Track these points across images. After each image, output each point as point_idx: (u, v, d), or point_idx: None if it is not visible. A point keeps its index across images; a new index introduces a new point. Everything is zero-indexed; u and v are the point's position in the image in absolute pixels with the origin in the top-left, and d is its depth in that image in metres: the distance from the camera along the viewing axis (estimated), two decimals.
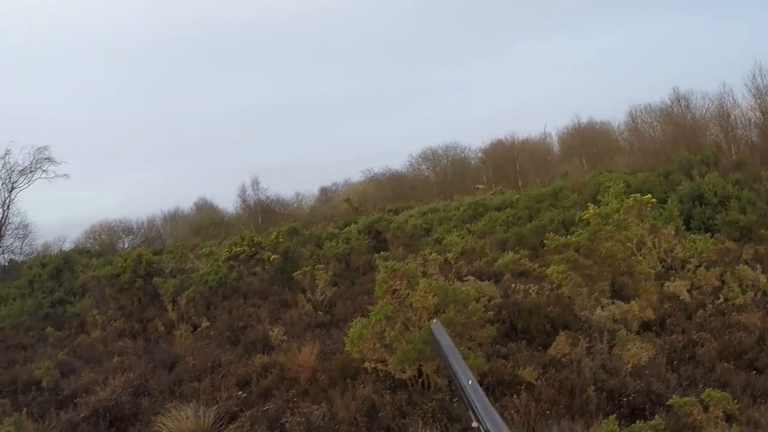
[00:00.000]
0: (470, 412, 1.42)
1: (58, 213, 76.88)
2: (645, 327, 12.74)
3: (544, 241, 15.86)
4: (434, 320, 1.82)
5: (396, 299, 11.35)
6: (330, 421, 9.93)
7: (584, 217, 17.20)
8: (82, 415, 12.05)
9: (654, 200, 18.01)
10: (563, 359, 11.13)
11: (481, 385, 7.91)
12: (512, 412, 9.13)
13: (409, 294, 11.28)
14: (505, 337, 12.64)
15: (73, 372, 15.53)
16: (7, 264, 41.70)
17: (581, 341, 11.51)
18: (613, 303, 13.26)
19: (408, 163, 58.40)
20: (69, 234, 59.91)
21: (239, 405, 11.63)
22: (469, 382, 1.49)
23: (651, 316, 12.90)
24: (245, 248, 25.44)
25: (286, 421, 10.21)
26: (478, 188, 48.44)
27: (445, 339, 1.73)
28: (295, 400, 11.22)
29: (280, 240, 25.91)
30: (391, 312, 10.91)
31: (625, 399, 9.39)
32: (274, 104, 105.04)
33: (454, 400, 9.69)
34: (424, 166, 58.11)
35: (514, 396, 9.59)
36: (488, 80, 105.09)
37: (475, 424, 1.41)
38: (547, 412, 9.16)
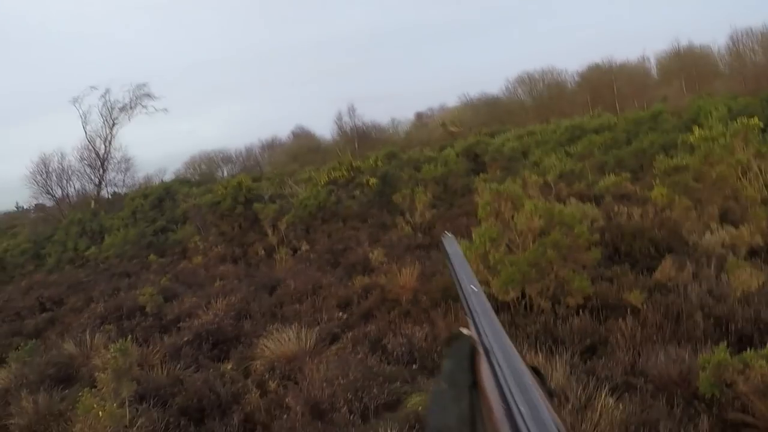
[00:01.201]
0: (469, 319, 1.30)
1: (158, 146, 78.45)
2: (752, 253, 12.08)
3: (653, 164, 15.20)
4: (446, 233, 1.61)
5: (500, 221, 10.95)
6: (432, 342, 9.67)
7: (689, 141, 16.38)
8: (185, 338, 12.10)
9: (761, 124, 17.02)
10: (669, 284, 10.59)
11: (585, 308, 7.51)
12: (618, 336, 8.72)
13: (513, 216, 10.87)
14: (609, 261, 12.12)
15: (176, 297, 15.72)
16: (110, 197, 42.89)
17: (688, 266, 10.95)
18: (722, 227, 12.66)
19: (504, 88, 57.27)
20: (169, 166, 61.05)
21: (340, 326, 11.47)
22: (473, 288, 1.40)
23: (759, 243, 12.24)
24: (344, 173, 25.26)
25: (387, 342, 9.99)
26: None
27: (453, 248, 1.67)
28: (396, 321, 10.99)
29: (379, 164, 25.67)
30: (495, 234, 10.53)
31: (732, 326, 8.85)
32: (371, 33, 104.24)
33: (558, 322, 9.36)
34: (520, 90, 56.83)
35: (620, 320, 9.14)
36: (585, 4, 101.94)
37: (466, 330, 1.29)
38: (654, 337, 8.71)
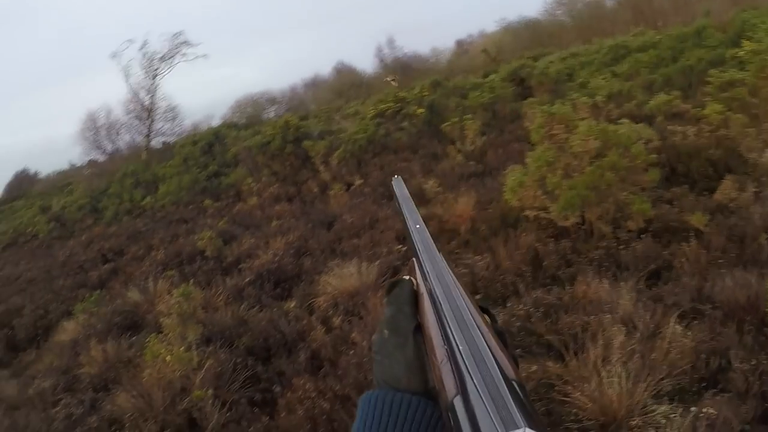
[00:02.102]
0: (415, 259, 1.30)
1: (202, 93, 78.69)
2: None
3: (704, 80, 14.66)
4: (396, 176, 1.57)
5: (554, 145, 10.67)
6: (494, 271, 9.53)
7: (738, 56, 15.75)
8: (247, 279, 12.15)
9: None
10: (730, 205, 10.24)
11: (647, 231, 7.28)
12: (682, 260, 8.46)
13: (567, 139, 10.57)
14: (666, 182, 11.74)
15: (234, 239, 15.78)
16: (160, 146, 43.42)
17: (749, 186, 10.57)
18: None
19: (543, 9, 56.14)
20: (215, 112, 61.46)
21: (400, 259, 11.37)
22: (416, 226, 1.40)
23: None
24: (391, 104, 25.06)
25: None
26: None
27: (401, 190, 1.69)
28: (457, 251, 10.86)
29: (425, 94, 25.39)
30: (552, 157, 10.26)
31: None
32: None
33: (620, 247, 9.14)
34: (559, 11, 55.48)
35: (683, 243, 8.85)
36: None
37: (407, 276, 1.30)
38: (719, 261, 8.42)
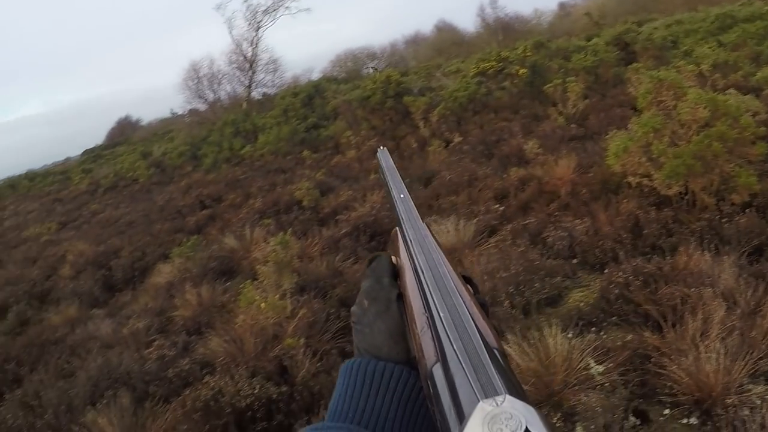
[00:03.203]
0: (398, 228, 1.29)
1: (303, 47, 79.28)
2: None
3: None
4: (381, 147, 1.38)
5: (662, 111, 10.22)
6: (593, 236, 9.21)
7: None
8: (343, 231, 12.06)
9: None
10: None
11: (751, 206, 6.86)
12: None
13: (676, 106, 10.11)
14: None
15: (331, 191, 15.72)
16: (261, 97, 44.12)
17: None
18: None
19: None
20: (315, 65, 62.04)
21: (498, 218, 11.12)
22: (401, 195, 1.40)
23: None
24: (493, 63, 24.71)
25: (547, 236, 9.57)
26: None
27: (387, 162, 1.69)
28: (556, 214, 10.54)
29: (528, 54, 24.94)
30: (659, 124, 9.83)
31: None
32: None
33: (723, 220, 8.71)
34: None
35: None
36: None
37: (385, 254, 1.30)
38: None
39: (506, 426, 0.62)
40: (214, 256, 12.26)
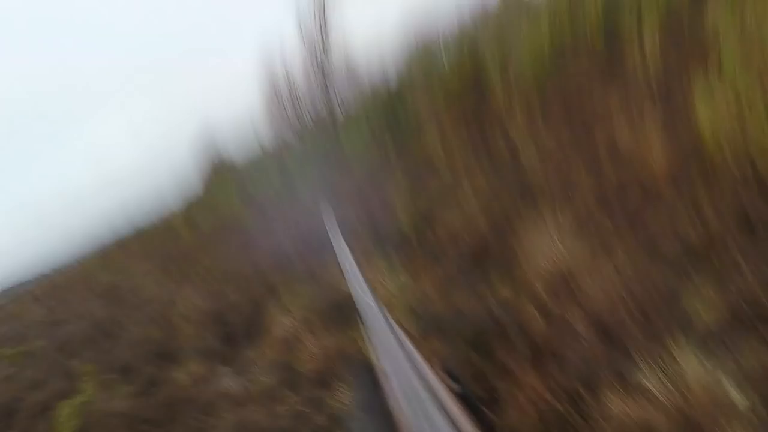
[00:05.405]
0: (367, 340, 0.77)
1: None
2: None
3: None
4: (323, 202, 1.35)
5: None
6: (704, 236, 8.70)
7: None
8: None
9: None
10: None
11: None
12: None
13: None
14: None
15: None
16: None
17: None
18: None
19: None
20: None
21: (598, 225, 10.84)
22: (369, 302, 0.87)
23: None
24: None
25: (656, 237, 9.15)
26: None
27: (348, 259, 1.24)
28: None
29: None
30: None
31: None
32: None
33: None
34: None
35: None
36: None
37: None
38: None
39: None
40: (332, 301, 12.26)
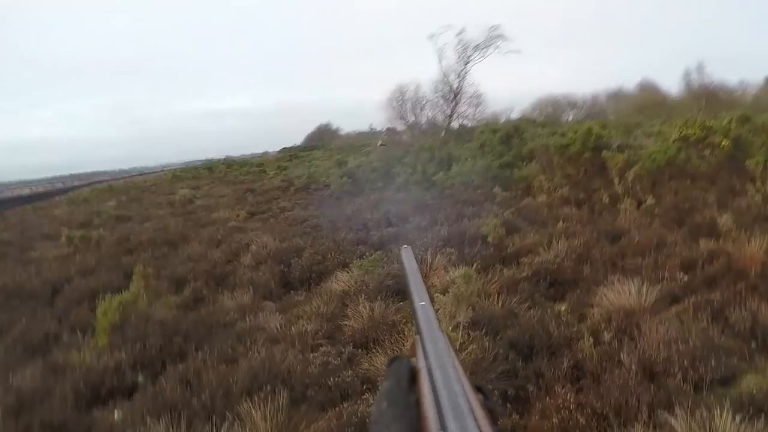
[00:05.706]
0: (417, 337, 1.31)
1: (506, 85, 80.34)
2: None
3: None
4: (405, 246, 1.92)
5: None
6: None
7: None
8: (524, 274, 11.95)
9: None
10: None
11: None
12: None
13: None
14: None
15: (517, 231, 15.57)
16: (459, 128, 45.29)
17: None
18: None
19: None
20: (515, 104, 63.24)
21: (681, 288, 10.74)
22: (421, 303, 1.41)
23: None
24: (696, 130, 24.01)
25: (730, 314, 9.16)
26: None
27: (410, 263, 1.74)
28: (742, 293, 10.04)
29: (732, 126, 24.09)
30: None
31: None
32: None
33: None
34: None
35: None
36: None
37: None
38: None
39: None
40: (392, 274, 12.35)
